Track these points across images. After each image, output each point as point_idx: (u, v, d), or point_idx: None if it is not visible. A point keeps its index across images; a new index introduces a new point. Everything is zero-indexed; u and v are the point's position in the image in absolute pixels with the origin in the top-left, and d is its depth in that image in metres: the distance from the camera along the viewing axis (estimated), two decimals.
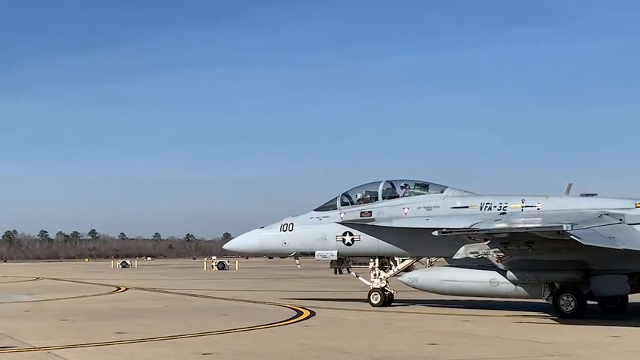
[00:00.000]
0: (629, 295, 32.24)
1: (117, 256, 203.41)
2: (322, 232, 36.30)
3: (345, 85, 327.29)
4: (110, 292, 50.91)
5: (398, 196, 34.95)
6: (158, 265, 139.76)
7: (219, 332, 25.88)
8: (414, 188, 35.06)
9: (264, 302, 39.29)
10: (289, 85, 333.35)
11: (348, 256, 37.30)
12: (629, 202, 30.81)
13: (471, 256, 29.36)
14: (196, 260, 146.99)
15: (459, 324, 28.11)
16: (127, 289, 54.63)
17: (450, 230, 29.85)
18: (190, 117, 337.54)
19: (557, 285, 29.94)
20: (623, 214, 29.97)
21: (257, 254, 47.34)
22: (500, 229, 28.51)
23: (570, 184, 33.37)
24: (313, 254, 37.20)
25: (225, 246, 41.93)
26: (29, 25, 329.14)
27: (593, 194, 32.92)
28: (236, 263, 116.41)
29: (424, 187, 34.96)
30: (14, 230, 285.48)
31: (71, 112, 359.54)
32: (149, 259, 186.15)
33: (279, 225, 37.63)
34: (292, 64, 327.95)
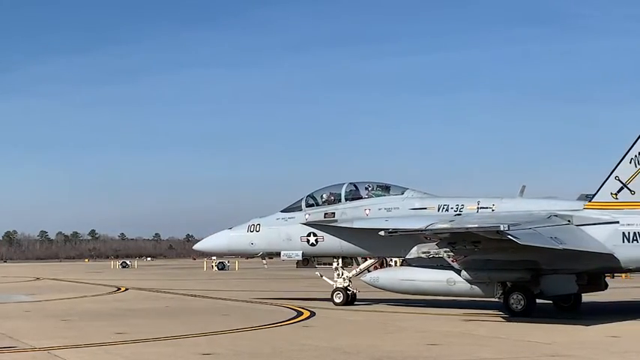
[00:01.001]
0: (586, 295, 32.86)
1: (117, 257, 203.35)
2: (287, 233, 37.15)
3: (345, 85, 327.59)
4: (110, 293, 50.92)
5: (361, 198, 35.87)
6: (158, 265, 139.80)
7: (219, 332, 25.89)
8: (376, 190, 36.00)
9: (264, 302, 39.29)
10: (289, 85, 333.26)
11: (313, 256, 38.44)
12: (578, 203, 31.54)
13: (423, 255, 30.31)
14: (196, 260, 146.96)
15: (459, 324, 28.12)
16: (126, 289, 54.64)
17: (395, 230, 30.84)
18: (190, 117, 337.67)
19: (508, 284, 30.54)
20: (571, 216, 30.82)
21: (225, 254, 48.98)
22: (442, 229, 29.52)
23: (524, 186, 33.99)
24: (279, 254, 38.02)
25: (195, 246, 42.75)
26: (29, 25, 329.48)
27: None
28: (236, 263, 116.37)
29: (385, 189, 35.91)
30: (14, 230, 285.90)
31: (72, 112, 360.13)
32: (149, 259, 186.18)
33: (246, 226, 38.40)
34: (292, 64, 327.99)
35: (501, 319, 29.57)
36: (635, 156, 29.78)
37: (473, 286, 31.01)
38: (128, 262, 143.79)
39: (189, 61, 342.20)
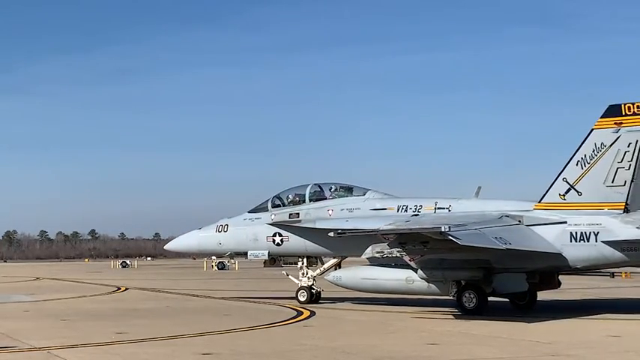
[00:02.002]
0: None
1: (117, 256, 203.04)
2: (254, 233, 37.97)
3: (345, 84, 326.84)
4: (110, 292, 50.90)
5: (325, 199, 36.70)
6: (158, 265, 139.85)
7: (219, 332, 25.88)
8: (339, 191, 36.93)
9: (264, 302, 39.27)
10: (289, 85, 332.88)
11: (279, 256, 39.00)
12: (529, 204, 32.09)
13: (377, 255, 31.26)
14: (196, 260, 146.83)
15: (459, 324, 28.11)
16: (126, 289, 54.61)
17: (344, 231, 32.28)
18: (190, 117, 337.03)
19: (463, 282, 31.30)
20: (522, 216, 31.59)
21: (195, 254, 50.25)
22: (388, 230, 30.84)
23: (479, 187, 34.70)
24: (246, 254, 38.83)
25: (166, 246, 43.64)
26: (29, 25, 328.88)
27: None
28: (236, 263, 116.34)
29: (348, 190, 36.78)
30: (14, 230, 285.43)
31: (71, 112, 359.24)
32: (149, 259, 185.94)
33: (215, 226, 39.22)
34: (292, 64, 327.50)
35: (501, 319, 29.57)
36: (582, 158, 30.38)
37: (430, 284, 31.59)
38: (128, 261, 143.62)
39: (189, 61, 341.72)
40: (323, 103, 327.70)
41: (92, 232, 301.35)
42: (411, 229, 30.12)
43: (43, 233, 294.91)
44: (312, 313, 32.47)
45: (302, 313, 32.78)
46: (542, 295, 35.55)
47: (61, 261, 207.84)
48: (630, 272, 69.69)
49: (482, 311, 30.66)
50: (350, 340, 23.88)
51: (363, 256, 32.71)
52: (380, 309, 34.76)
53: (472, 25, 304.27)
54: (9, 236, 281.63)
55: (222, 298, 43.68)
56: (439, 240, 28.78)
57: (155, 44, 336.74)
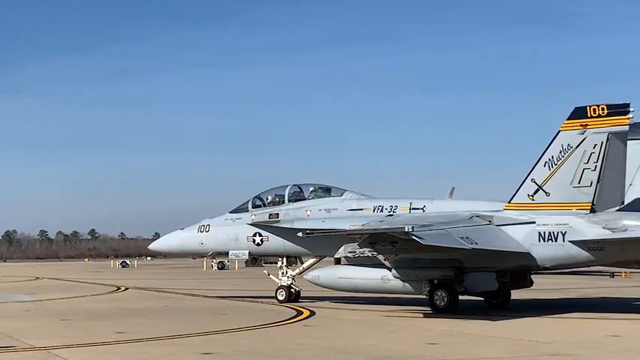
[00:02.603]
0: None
1: (117, 256, 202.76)
2: (235, 233, 38.65)
3: (345, 85, 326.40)
4: (110, 292, 50.91)
5: (303, 199, 37.36)
6: (158, 264, 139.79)
7: (219, 332, 25.89)
8: (318, 192, 37.60)
9: (264, 302, 39.29)
10: (289, 85, 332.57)
11: (259, 256, 40.13)
12: (499, 204, 32.59)
13: (349, 255, 32.00)
14: (196, 260, 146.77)
15: (459, 324, 28.11)
16: (126, 288, 54.59)
17: (312, 231, 33.23)
18: (190, 117, 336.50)
19: (435, 281, 31.92)
20: (492, 216, 32.17)
21: (178, 254, 51.30)
22: (353, 230, 31.75)
23: (453, 188, 35.60)
24: (227, 254, 39.65)
25: (150, 246, 44.57)
26: (29, 24, 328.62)
27: None
28: (236, 263, 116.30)
29: (327, 190, 37.41)
30: (14, 230, 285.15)
31: (71, 112, 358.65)
32: (149, 258, 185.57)
33: (197, 226, 39.99)
34: (292, 64, 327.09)
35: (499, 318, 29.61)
36: (549, 159, 30.86)
37: (405, 283, 32.17)
38: (128, 261, 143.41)
39: (189, 61, 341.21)
40: (323, 103, 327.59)
41: (92, 232, 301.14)
42: (375, 230, 30.81)
43: (43, 233, 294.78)
44: (312, 313, 32.48)
45: (302, 312, 32.79)
46: (543, 295, 35.57)
47: (60, 261, 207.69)
48: (630, 272, 69.79)
49: (453, 310, 31.29)
50: (350, 339, 23.88)
51: (336, 256, 33.60)
52: (380, 309, 34.74)
53: (472, 26, 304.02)
54: (9, 236, 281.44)
55: (222, 297, 43.67)
56: (407, 240, 29.20)
57: (155, 44, 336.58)
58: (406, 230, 28.52)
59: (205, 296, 45.07)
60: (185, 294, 47.29)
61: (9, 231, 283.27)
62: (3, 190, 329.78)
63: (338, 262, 37.25)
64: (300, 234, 33.15)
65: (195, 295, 45.80)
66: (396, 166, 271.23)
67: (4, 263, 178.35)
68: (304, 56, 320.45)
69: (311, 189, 37.72)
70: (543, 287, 51.82)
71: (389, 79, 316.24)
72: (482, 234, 30.86)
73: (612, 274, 67.87)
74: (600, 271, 77.21)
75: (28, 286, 60.54)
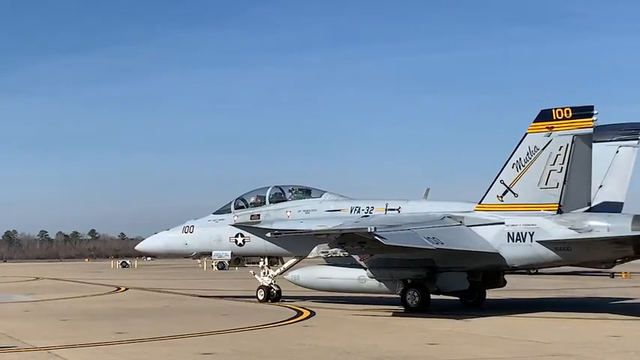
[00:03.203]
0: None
1: (117, 256, 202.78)
2: (218, 234, 39.36)
3: (345, 85, 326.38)
4: (110, 292, 50.90)
5: (284, 201, 38.10)
6: (158, 265, 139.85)
7: (219, 332, 25.89)
8: (298, 193, 38.29)
9: (264, 302, 39.27)
10: (289, 85, 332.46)
11: (242, 256, 40.89)
12: (472, 205, 33.09)
13: (322, 255, 32.62)
14: (196, 260, 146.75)
15: (458, 324, 28.13)
16: (126, 289, 54.59)
17: (280, 231, 34.55)
18: (190, 117, 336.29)
19: (409, 281, 32.62)
20: (463, 217, 32.67)
21: (164, 255, 52.39)
22: (321, 231, 32.67)
23: (428, 189, 36.17)
24: (211, 254, 40.54)
25: (137, 247, 45.65)
26: (29, 24, 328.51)
27: None
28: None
29: (307, 192, 38.12)
30: (14, 230, 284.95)
31: (72, 112, 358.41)
32: (149, 259, 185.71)
33: (181, 227, 40.89)
34: (292, 64, 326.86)
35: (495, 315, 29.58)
36: (517, 161, 31.36)
37: (381, 283, 32.87)
38: (128, 261, 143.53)
39: (189, 61, 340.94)
40: (323, 103, 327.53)
41: (92, 232, 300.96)
42: (340, 230, 31.71)
43: (43, 233, 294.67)
44: (312, 313, 32.48)
45: (302, 313, 32.79)
46: (543, 295, 35.55)
47: (61, 261, 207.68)
48: (630, 272, 69.78)
49: (425, 309, 31.96)
50: (350, 340, 23.88)
51: (310, 256, 34.36)
52: (379, 309, 34.73)
53: (472, 26, 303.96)
54: (9, 236, 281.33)
55: (222, 297, 43.66)
56: (373, 240, 29.67)
57: (155, 44, 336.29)
58: (369, 231, 29.25)
59: (205, 296, 45.06)
60: (185, 294, 47.29)
61: (9, 231, 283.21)
62: (3, 190, 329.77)
63: (236, 263, 38.49)
64: (268, 234, 34.10)
65: (195, 295, 45.79)
66: (396, 166, 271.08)
67: (4, 263, 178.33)
68: (304, 56, 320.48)
69: (291, 190, 38.38)
70: (543, 287, 51.88)
71: (389, 79, 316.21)
72: (450, 234, 31.48)
73: (612, 274, 67.78)
74: (600, 271, 77.20)
75: (28, 286, 60.52)
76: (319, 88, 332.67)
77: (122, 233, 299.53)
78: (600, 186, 32.35)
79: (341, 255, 31.97)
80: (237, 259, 41.56)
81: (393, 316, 31.56)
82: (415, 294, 32.36)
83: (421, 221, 32.20)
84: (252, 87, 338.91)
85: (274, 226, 36.40)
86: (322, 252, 32.14)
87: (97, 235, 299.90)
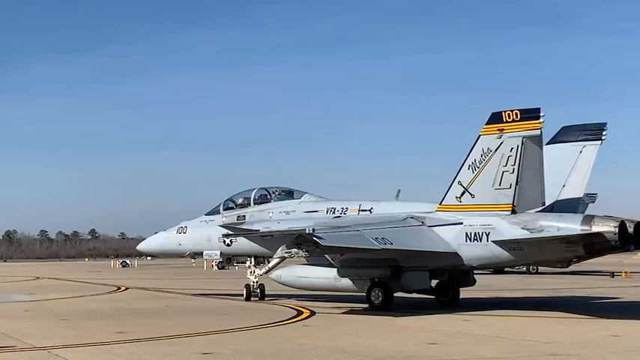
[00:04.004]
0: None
1: (117, 256, 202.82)
2: (208, 235, 40.66)
3: (345, 85, 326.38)
4: (110, 292, 50.91)
5: (268, 202, 39.46)
6: (158, 264, 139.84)
7: (219, 332, 25.89)
8: (281, 194, 39.60)
9: (264, 302, 39.29)
10: (289, 85, 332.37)
11: (231, 256, 41.82)
12: (433, 205, 33.80)
13: (286, 255, 33.48)
14: (196, 260, 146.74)
15: (459, 324, 28.12)
16: (127, 288, 54.60)
17: (228, 234, 37.05)
18: (190, 116, 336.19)
19: (376, 280, 33.72)
20: (425, 217, 33.51)
21: (160, 255, 54.11)
22: (264, 232, 35.01)
23: (399, 190, 37.43)
24: (202, 254, 42.12)
25: (138, 247, 47.39)
26: (29, 24, 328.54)
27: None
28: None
29: (289, 193, 39.43)
30: (14, 230, 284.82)
31: (71, 111, 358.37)
32: (149, 258, 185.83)
33: (176, 228, 42.34)
34: (292, 64, 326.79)
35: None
36: (472, 162, 32.02)
37: (353, 282, 33.97)
38: (128, 261, 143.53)
39: (189, 61, 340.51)
40: (323, 103, 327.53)
41: (92, 232, 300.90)
42: (281, 231, 33.65)
43: (43, 233, 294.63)
44: (312, 313, 32.48)
45: (302, 312, 32.79)
46: (543, 294, 35.54)
47: (61, 261, 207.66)
48: (630, 272, 69.88)
49: (389, 307, 33.01)
50: (350, 339, 23.87)
51: (275, 256, 35.72)
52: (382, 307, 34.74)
53: (472, 26, 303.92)
54: (9, 236, 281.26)
55: (222, 297, 43.67)
56: (313, 241, 30.66)
57: (155, 44, 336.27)
58: (306, 232, 30.50)
59: (205, 296, 45.06)
60: (185, 294, 47.30)
61: (9, 231, 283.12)
62: (3, 190, 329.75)
63: (228, 263, 40.56)
64: (220, 236, 36.04)
65: (195, 295, 45.80)
66: (397, 167, 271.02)
67: (4, 263, 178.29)
68: (304, 56, 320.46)
69: (274, 192, 39.65)
70: (543, 287, 51.88)
71: (389, 79, 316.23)
72: (408, 235, 32.52)
73: (612, 274, 67.90)
74: (600, 271, 77.30)
75: (28, 286, 60.51)
76: (319, 88, 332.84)
77: (122, 233, 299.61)
78: (563, 186, 32.81)
79: (303, 255, 32.88)
80: (229, 259, 42.54)
81: (393, 316, 31.54)
82: (379, 292, 33.43)
83: (384, 222, 33.30)
84: (252, 87, 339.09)
85: (255, 227, 37.69)
86: (286, 252, 32.85)
87: (97, 235, 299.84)
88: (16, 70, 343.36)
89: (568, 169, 32.99)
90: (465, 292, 37.31)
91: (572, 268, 46.75)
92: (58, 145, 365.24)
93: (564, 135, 33.42)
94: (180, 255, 46.10)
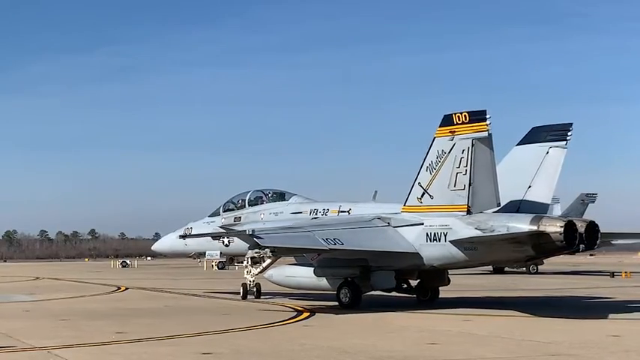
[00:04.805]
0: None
1: (117, 256, 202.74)
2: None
3: (345, 85, 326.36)
4: (110, 292, 50.88)
5: (261, 203, 41.10)
6: (158, 264, 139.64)
7: (219, 332, 25.88)
8: (273, 196, 41.13)
9: (264, 301, 39.29)
10: (289, 85, 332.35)
11: (231, 256, 43.67)
12: (399, 207, 34.50)
13: (256, 255, 34.54)
14: (196, 260, 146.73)
15: (459, 324, 28.12)
16: (126, 288, 54.57)
17: (185, 235, 40.03)
18: (191, 116, 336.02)
19: (349, 279, 34.74)
20: (390, 218, 34.34)
21: (170, 255, 56.52)
22: (213, 233, 37.09)
23: (376, 192, 38.70)
24: (205, 254, 44.22)
25: (152, 247, 49.19)
26: (29, 24, 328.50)
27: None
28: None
29: (280, 195, 41.00)
30: (14, 230, 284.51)
31: (71, 111, 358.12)
32: (149, 258, 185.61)
33: (183, 229, 43.78)
34: (292, 64, 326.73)
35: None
36: (430, 164, 32.80)
37: (328, 281, 35.08)
38: (128, 261, 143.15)
39: (189, 61, 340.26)
40: (324, 102, 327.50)
41: (92, 232, 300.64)
42: (226, 232, 35.79)
43: (43, 233, 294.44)
44: (312, 313, 32.47)
45: (302, 312, 32.79)
46: (543, 294, 35.52)
47: (61, 261, 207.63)
48: (630, 272, 69.87)
49: (356, 305, 34.03)
50: (350, 339, 23.86)
51: (247, 257, 37.73)
52: (379, 309, 34.74)
53: (472, 25, 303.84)
54: (9, 236, 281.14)
55: (222, 297, 43.68)
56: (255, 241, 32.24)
57: (155, 44, 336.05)
58: (247, 233, 31.94)
59: (205, 296, 45.08)
60: (185, 294, 47.29)
61: (9, 231, 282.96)
62: (3, 190, 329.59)
63: (230, 262, 41.94)
64: (178, 237, 38.22)
65: (195, 295, 45.79)
66: (396, 167, 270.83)
67: (4, 263, 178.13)
68: (304, 56, 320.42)
69: (269, 194, 41.09)
70: (543, 287, 51.89)
71: (389, 79, 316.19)
72: (361, 235, 33.63)
73: (612, 274, 67.92)
74: (600, 271, 77.35)
75: (28, 286, 60.48)
76: (319, 88, 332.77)
77: (122, 233, 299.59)
78: (529, 186, 33.07)
79: (269, 255, 34.51)
80: (231, 259, 43.77)
81: (393, 316, 31.54)
82: (347, 291, 34.44)
83: (351, 222, 34.83)
84: (252, 87, 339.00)
85: (244, 227, 38.37)
86: (255, 252, 34.12)
87: (97, 235, 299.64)
88: (16, 70, 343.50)
89: (534, 170, 33.25)
90: (465, 292, 37.43)
91: (572, 268, 46.82)
92: (58, 145, 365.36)
93: (533, 136, 33.72)
94: (187, 255, 47.55)
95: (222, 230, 39.40)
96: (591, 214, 73.95)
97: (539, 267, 74.40)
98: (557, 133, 33.33)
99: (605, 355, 20.24)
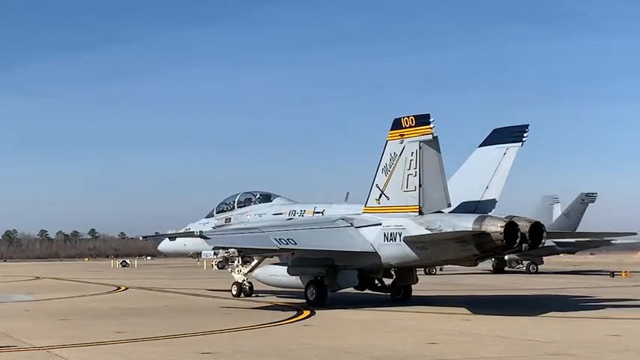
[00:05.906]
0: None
1: (117, 256, 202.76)
2: None
3: (345, 85, 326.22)
4: (110, 292, 50.90)
5: (249, 205, 42.34)
6: (158, 264, 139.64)
7: (218, 332, 25.88)
8: (259, 198, 42.35)
9: (264, 301, 39.30)
10: (289, 85, 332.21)
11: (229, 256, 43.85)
12: (361, 208, 35.46)
13: (226, 255, 36.92)
14: (196, 260, 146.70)
15: (459, 323, 28.12)
16: (126, 288, 54.59)
17: (146, 236, 43.54)
18: (191, 116, 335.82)
19: (318, 278, 35.70)
20: (353, 219, 35.30)
21: (172, 255, 58.34)
22: (175, 234, 39.46)
23: (348, 193, 40.02)
24: (201, 254, 45.49)
25: (158, 247, 50.42)
26: (29, 23, 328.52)
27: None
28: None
29: (266, 197, 42.19)
30: (14, 230, 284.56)
31: (71, 111, 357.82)
32: (149, 258, 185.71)
33: (182, 230, 44.29)
34: (292, 64, 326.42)
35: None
36: (385, 166, 33.77)
37: (301, 280, 36.19)
38: (128, 261, 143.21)
39: (189, 60, 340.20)
40: (323, 103, 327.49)
41: (92, 232, 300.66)
42: (180, 234, 38.16)
43: (43, 233, 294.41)
44: (312, 313, 32.46)
45: (302, 312, 32.78)
46: (543, 294, 35.51)
47: (61, 260, 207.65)
48: (630, 272, 69.88)
49: (322, 303, 34.93)
50: (350, 339, 23.87)
51: (219, 258, 39.70)
52: (379, 308, 34.76)
53: (472, 25, 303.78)
54: (9, 236, 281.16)
55: (222, 297, 43.68)
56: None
57: (155, 43, 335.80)
58: (196, 234, 33.70)
59: (205, 295, 45.09)
60: (185, 293, 47.30)
61: (9, 231, 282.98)
62: (3, 190, 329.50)
63: (226, 262, 45.66)
64: (140, 237, 40.12)
65: (195, 295, 45.80)
66: None
67: (4, 263, 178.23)
68: (304, 56, 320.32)
69: (256, 195, 42.29)
70: (543, 287, 51.89)
71: (389, 79, 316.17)
72: (319, 235, 34.74)
73: (612, 274, 67.92)
74: (600, 271, 77.33)
75: (28, 286, 60.50)
76: (319, 88, 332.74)
77: (122, 233, 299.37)
78: (487, 187, 33.47)
79: (237, 255, 36.30)
80: (227, 259, 45.26)
81: (393, 315, 31.55)
82: (313, 290, 35.47)
83: (316, 223, 36.04)
84: (252, 87, 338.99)
85: (229, 228, 40.07)
86: (226, 252, 35.48)
87: (97, 235, 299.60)
88: (16, 69, 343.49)
89: (492, 171, 33.68)
90: (465, 292, 37.36)
91: (572, 268, 46.81)
92: (58, 144, 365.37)
93: (493, 137, 34.21)
94: (186, 255, 48.45)
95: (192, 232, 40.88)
96: (591, 214, 74.15)
97: (539, 267, 74.43)
98: (513, 134, 33.77)
99: (605, 355, 20.24)
